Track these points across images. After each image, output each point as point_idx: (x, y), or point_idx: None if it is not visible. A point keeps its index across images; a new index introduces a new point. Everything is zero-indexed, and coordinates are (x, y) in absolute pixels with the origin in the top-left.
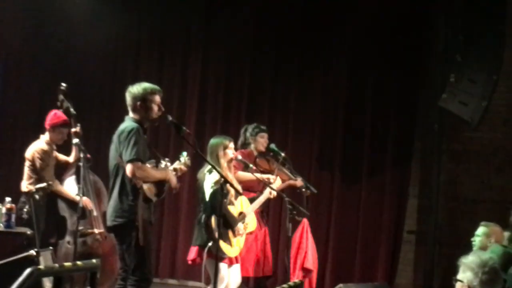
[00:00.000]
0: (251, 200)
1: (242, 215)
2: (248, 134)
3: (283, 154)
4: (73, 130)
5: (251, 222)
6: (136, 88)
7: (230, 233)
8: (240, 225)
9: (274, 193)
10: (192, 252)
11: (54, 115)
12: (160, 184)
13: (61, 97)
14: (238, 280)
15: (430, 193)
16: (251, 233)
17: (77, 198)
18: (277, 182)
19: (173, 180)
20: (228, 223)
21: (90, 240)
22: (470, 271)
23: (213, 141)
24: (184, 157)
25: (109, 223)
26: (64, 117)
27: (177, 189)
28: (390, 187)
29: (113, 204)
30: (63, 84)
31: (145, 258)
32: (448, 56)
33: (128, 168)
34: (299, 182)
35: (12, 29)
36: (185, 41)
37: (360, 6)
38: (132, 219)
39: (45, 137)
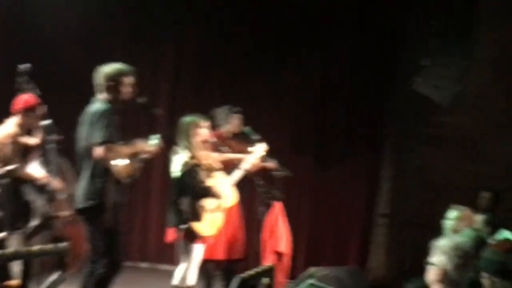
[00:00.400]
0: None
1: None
2: (220, 115)
3: (257, 137)
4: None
5: (231, 196)
6: (108, 68)
7: (205, 211)
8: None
9: (256, 161)
10: (170, 234)
11: (28, 99)
12: (135, 158)
13: (24, 78)
14: (200, 258)
15: (403, 176)
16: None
17: (46, 179)
18: (261, 148)
19: (143, 146)
20: (204, 196)
21: (57, 223)
22: (444, 255)
23: (185, 119)
24: (156, 139)
25: (79, 205)
26: (37, 100)
27: (157, 151)
28: (363, 171)
29: (83, 186)
30: (26, 65)
31: (115, 241)
32: (422, 40)
33: (99, 151)
34: (271, 164)
35: None
36: (160, 25)
37: None
38: (102, 201)
39: (15, 121)
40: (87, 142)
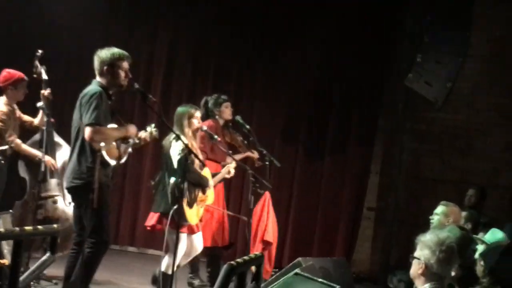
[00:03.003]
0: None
1: None
2: (210, 105)
3: (248, 127)
4: (42, 92)
5: (210, 195)
6: (104, 53)
7: (196, 200)
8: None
9: (232, 173)
10: (152, 219)
11: (8, 73)
12: (124, 143)
13: (36, 63)
14: (200, 247)
15: (391, 171)
16: (207, 208)
17: (41, 156)
18: (232, 166)
19: (133, 131)
20: (200, 185)
21: (48, 204)
22: (428, 249)
23: (179, 109)
24: (152, 128)
25: (66, 184)
26: (19, 72)
27: (137, 138)
28: (352, 164)
29: (72, 166)
30: (39, 51)
31: (102, 221)
32: (416, 36)
33: (86, 132)
34: (255, 154)
35: None
36: (155, 10)
37: None
38: (89, 182)
39: (2, 99)
40: (77, 123)
